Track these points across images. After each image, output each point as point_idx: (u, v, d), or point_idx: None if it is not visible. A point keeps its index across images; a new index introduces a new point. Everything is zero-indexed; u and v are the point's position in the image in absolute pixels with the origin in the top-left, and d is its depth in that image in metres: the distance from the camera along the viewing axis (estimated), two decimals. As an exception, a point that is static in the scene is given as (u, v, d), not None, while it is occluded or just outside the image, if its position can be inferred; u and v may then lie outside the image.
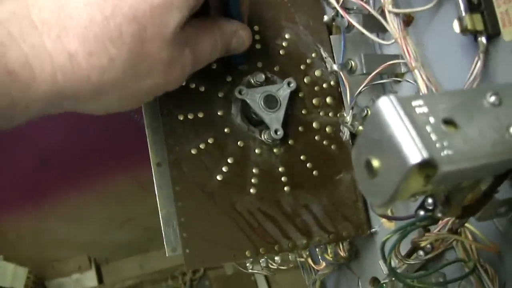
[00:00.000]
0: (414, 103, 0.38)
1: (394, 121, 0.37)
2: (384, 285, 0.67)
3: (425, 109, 0.38)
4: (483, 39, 0.52)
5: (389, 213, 0.66)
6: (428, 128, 0.37)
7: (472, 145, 0.38)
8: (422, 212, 0.49)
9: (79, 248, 1.60)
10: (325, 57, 0.71)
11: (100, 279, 1.63)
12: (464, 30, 0.52)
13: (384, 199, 0.38)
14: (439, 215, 0.46)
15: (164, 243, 0.67)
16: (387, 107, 0.37)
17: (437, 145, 0.37)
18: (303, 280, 0.87)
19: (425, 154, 0.35)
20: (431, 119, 0.38)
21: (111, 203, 1.46)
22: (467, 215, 0.51)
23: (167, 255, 0.68)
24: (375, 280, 0.75)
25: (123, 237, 1.57)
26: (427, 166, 0.36)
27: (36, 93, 0.49)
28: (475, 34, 0.53)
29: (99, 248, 1.62)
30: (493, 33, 0.52)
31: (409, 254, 0.64)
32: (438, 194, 0.46)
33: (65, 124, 1.19)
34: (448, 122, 0.38)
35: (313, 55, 0.72)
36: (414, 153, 0.35)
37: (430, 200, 0.47)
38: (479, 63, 0.52)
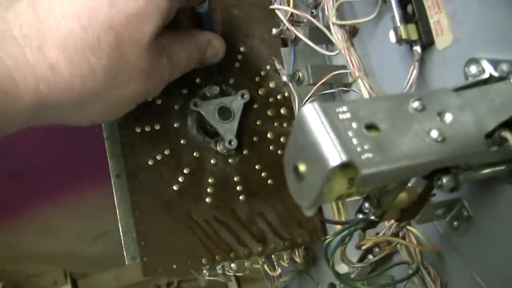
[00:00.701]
0: (338, 110, 0.40)
1: (317, 127, 0.39)
2: (339, 290, 0.69)
3: (348, 115, 0.40)
4: (417, 48, 0.54)
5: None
6: (350, 133, 0.39)
7: (393, 149, 0.40)
8: (360, 216, 0.50)
9: (55, 262, 1.60)
10: (279, 69, 0.73)
11: (75, 293, 1.64)
12: (399, 40, 0.54)
13: (310, 201, 0.40)
14: (372, 217, 0.48)
15: (124, 252, 0.69)
16: (311, 114, 0.39)
17: (358, 149, 0.38)
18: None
19: (344, 157, 0.37)
20: (354, 125, 0.40)
21: (84, 217, 1.47)
22: (406, 218, 0.53)
23: (126, 263, 0.69)
24: (332, 286, 0.77)
25: (98, 251, 1.58)
26: (347, 169, 0.38)
27: (20, 105, 0.51)
28: (410, 43, 0.55)
29: (74, 262, 1.63)
30: (427, 42, 0.54)
31: (361, 259, 0.66)
32: (371, 198, 0.48)
33: (34, 138, 1.19)
34: (371, 127, 0.40)
35: (268, 67, 0.74)
36: (334, 156, 0.37)
37: (366, 204, 0.49)
38: (414, 71, 0.54)
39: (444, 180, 0.43)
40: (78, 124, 0.59)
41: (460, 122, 0.43)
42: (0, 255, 1.54)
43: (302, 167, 0.40)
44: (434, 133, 0.41)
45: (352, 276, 0.66)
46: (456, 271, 0.57)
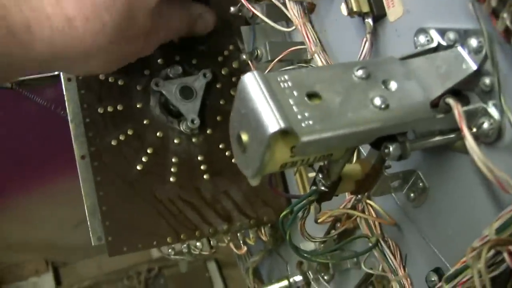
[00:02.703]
0: (279, 78, 0.41)
1: (256, 94, 0.39)
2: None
3: (289, 83, 0.40)
4: (369, 21, 0.55)
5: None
6: (291, 101, 0.39)
7: (334, 116, 0.40)
8: (314, 187, 0.51)
9: (36, 251, 1.61)
10: (242, 49, 0.73)
11: (58, 282, 1.64)
12: (350, 13, 0.54)
13: (254, 170, 0.41)
14: (322, 188, 0.48)
15: (90, 232, 0.69)
16: (251, 82, 0.40)
17: (299, 116, 0.39)
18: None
19: (283, 124, 0.37)
20: (294, 93, 0.40)
21: (63, 205, 1.46)
22: (361, 191, 0.53)
23: (93, 244, 0.69)
24: (301, 264, 0.77)
25: (79, 239, 1.57)
26: (288, 136, 0.38)
27: (34, 55, 0.54)
28: (362, 16, 0.55)
29: (55, 250, 1.63)
30: (379, 15, 0.54)
31: (327, 233, 0.66)
32: (321, 168, 0.48)
33: (9, 127, 1.19)
34: (312, 95, 0.41)
35: (231, 47, 0.74)
36: (273, 123, 0.37)
37: (320, 175, 0.49)
38: (367, 44, 0.55)
39: (391, 148, 0.43)
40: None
41: (405, 90, 0.43)
42: (-21, 246, 1.54)
43: (244, 137, 0.40)
44: (377, 101, 0.41)
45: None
46: (415, 242, 0.57)
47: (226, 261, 1.59)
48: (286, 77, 0.41)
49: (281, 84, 0.40)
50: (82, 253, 1.64)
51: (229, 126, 0.43)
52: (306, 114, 0.39)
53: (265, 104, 0.38)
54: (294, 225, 0.71)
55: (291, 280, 0.76)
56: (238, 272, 1.53)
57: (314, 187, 0.50)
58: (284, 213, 0.53)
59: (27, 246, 1.59)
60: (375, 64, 0.45)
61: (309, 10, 0.65)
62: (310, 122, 0.39)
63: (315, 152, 0.42)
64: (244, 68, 0.73)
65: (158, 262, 1.61)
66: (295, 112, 0.39)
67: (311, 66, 0.66)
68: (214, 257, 1.59)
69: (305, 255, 0.59)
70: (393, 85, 0.43)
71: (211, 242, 0.74)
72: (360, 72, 0.43)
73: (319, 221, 0.60)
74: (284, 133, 0.38)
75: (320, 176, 0.49)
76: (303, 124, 0.38)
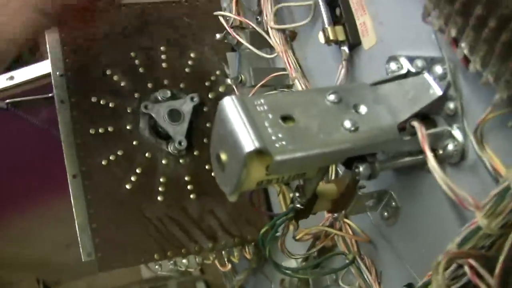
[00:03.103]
0: (256, 102, 0.44)
1: (234, 117, 0.42)
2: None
3: (265, 107, 0.43)
4: (345, 48, 0.58)
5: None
6: (266, 123, 0.42)
7: (306, 137, 0.43)
8: (291, 206, 0.54)
9: (27, 270, 1.61)
10: (228, 74, 0.76)
11: (49, 302, 1.65)
12: (327, 41, 0.58)
13: (232, 187, 0.44)
14: (298, 205, 0.51)
15: (80, 248, 0.71)
16: (229, 105, 0.43)
17: (273, 137, 0.42)
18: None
19: (257, 144, 0.40)
20: (270, 115, 0.43)
21: (56, 224, 1.48)
22: (337, 209, 0.56)
23: (83, 260, 0.72)
24: (283, 282, 0.80)
25: (71, 258, 1.58)
26: (262, 156, 0.41)
27: None
28: (339, 44, 0.58)
29: (47, 270, 1.64)
30: (354, 43, 0.57)
31: (308, 250, 0.69)
32: (297, 187, 0.51)
33: (0, 147, 1.21)
34: (287, 118, 0.44)
35: (218, 72, 0.78)
36: (248, 143, 0.40)
37: (297, 194, 0.52)
38: (343, 70, 0.58)
39: (361, 168, 0.46)
40: None
41: (374, 114, 0.46)
42: (-28, 264, 1.55)
43: (223, 156, 0.43)
44: (347, 123, 0.44)
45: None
46: (389, 259, 0.60)
47: (214, 282, 1.60)
48: (262, 101, 0.44)
49: (258, 107, 0.43)
50: (73, 273, 1.65)
51: (210, 147, 0.46)
52: (280, 135, 0.42)
53: (241, 125, 0.41)
54: (276, 243, 0.74)
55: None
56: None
57: (291, 205, 0.53)
58: (264, 229, 0.55)
59: (19, 264, 1.60)
60: (347, 89, 0.48)
61: (291, 38, 0.68)
62: (284, 142, 0.42)
63: (289, 171, 0.45)
64: (230, 93, 0.76)
65: (148, 283, 1.62)
66: (270, 133, 0.42)
67: (292, 91, 0.69)
68: (203, 278, 1.61)
69: (285, 271, 0.61)
70: (363, 109, 0.46)
71: (197, 259, 0.76)
72: (332, 97, 0.46)
73: (297, 238, 0.63)
74: (259, 153, 0.41)
75: (297, 195, 0.52)
76: (277, 145, 0.41)
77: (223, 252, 0.77)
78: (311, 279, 0.71)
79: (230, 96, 0.43)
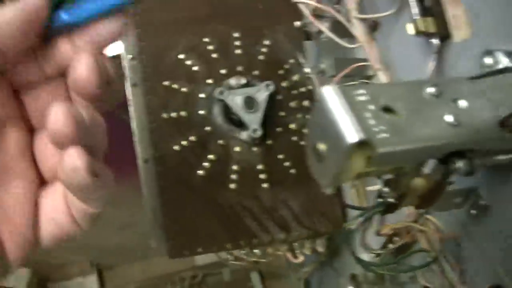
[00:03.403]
0: (356, 92, 0.43)
1: (335, 107, 0.41)
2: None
3: (366, 97, 0.42)
4: (435, 41, 0.56)
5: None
6: (367, 114, 0.41)
7: (408, 130, 0.42)
8: (379, 200, 0.53)
9: (82, 252, 1.62)
10: (302, 63, 0.75)
11: (102, 284, 1.66)
12: (417, 32, 0.56)
13: (330, 179, 0.43)
14: (390, 200, 0.50)
15: (151, 235, 0.71)
16: (330, 95, 0.42)
17: (375, 128, 0.41)
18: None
19: (361, 135, 0.39)
20: (371, 106, 0.42)
21: (110, 208, 1.49)
22: (424, 206, 0.55)
23: (152, 246, 0.71)
24: (353, 277, 0.79)
25: (124, 241, 1.60)
26: (365, 147, 0.40)
27: None
28: (428, 36, 0.57)
29: (100, 252, 1.65)
30: (445, 35, 0.56)
31: (383, 247, 0.68)
32: (389, 181, 0.50)
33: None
34: (388, 109, 0.43)
35: (292, 60, 0.76)
36: (351, 134, 0.39)
37: (385, 188, 0.51)
38: (432, 63, 0.56)
39: (460, 164, 0.45)
40: None
41: (474, 109, 0.45)
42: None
43: (321, 147, 0.42)
44: (449, 118, 0.43)
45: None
46: (474, 259, 0.59)
47: (269, 272, 1.60)
48: (363, 91, 0.43)
49: (358, 97, 0.42)
50: (126, 257, 1.66)
51: (305, 137, 0.45)
52: (382, 127, 0.41)
53: (344, 116, 0.40)
54: (349, 237, 0.73)
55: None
56: (280, 284, 1.55)
57: (380, 199, 0.52)
58: (349, 224, 0.54)
59: (74, 246, 1.61)
60: (445, 83, 0.46)
61: (372, 28, 0.66)
62: (386, 134, 0.41)
63: (389, 164, 0.44)
64: (304, 82, 0.75)
65: (202, 269, 1.62)
66: (372, 125, 0.41)
67: (373, 82, 0.67)
68: (258, 268, 1.60)
69: (369, 266, 0.60)
70: (462, 104, 0.45)
71: (269, 250, 0.75)
72: (432, 90, 0.45)
73: (381, 232, 0.62)
74: (362, 144, 0.39)
75: (386, 189, 0.51)
76: (379, 137, 0.40)
77: (295, 244, 0.76)
78: (388, 275, 0.70)
79: (331, 86, 0.42)
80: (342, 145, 0.40)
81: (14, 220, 0.42)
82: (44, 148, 0.44)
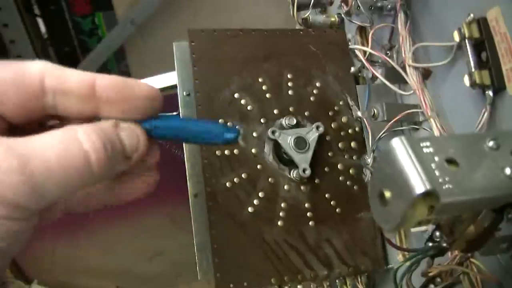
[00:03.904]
0: (422, 144, 0.45)
1: (404, 158, 0.43)
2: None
3: (431, 149, 0.45)
4: (490, 93, 0.59)
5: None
6: (433, 165, 0.44)
7: (470, 182, 0.44)
8: (430, 244, 0.55)
9: (109, 277, 1.64)
10: (352, 105, 0.78)
11: (127, 310, 1.68)
12: (473, 84, 0.59)
13: (393, 224, 0.45)
14: (444, 245, 0.52)
15: (197, 267, 0.73)
16: (399, 146, 0.44)
17: (440, 180, 0.43)
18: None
19: (428, 186, 0.41)
20: (436, 158, 0.44)
21: (142, 236, 1.51)
22: (471, 250, 0.57)
23: (199, 278, 0.73)
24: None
25: (152, 270, 1.61)
26: (430, 197, 0.42)
27: None
28: (483, 88, 0.59)
29: (128, 279, 1.67)
30: (499, 88, 0.58)
31: (424, 286, 0.69)
32: (444, 227, 0.52)
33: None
34: (451, 161, 0.45)
35: (341, 102, 0.79)
36: (419, 185, 0.41)
37: (437, 233, 0.53)
38: (486, 114, 0.59)
39: (514, 214, 0.47)
40: None
41: (532, 162, 0.47)
42: (59, 267, 1.58)
43: (387, 194, 0.44)
44: (508, 171, 0.45)
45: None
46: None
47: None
48: (428, 143, 0.45)
49: (424, 149, 0.45)
50: (152, 285, 1.68)
51: (369, 183, 0.47)
52: (446, 179, 0.43)
53: (412, 166, 0.43)
54: (382, 276, 0.75)
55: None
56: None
57: (430, 244, 0.54)
58: (399, 265, 0.57)
59: (101, 271, 1.63)
60: (504, 135, 0.49)
61: (424, 76, 0.69)
62: (450, 185, 0.43)
63: (450, 213, 0.46)
64: (352, 124, 0.78)
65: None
66: (437, 176, 0.43)
67: (423, 128, 0.70)
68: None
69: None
70: (521, 157, 0.47)
71: (311, 286, 0.77)
72: (491, 143, 0.47)
73: (430, 274, 0.64)
74: (427, 194, 0.42)
75: (438, 234, 0.53)
76: (444, 187, 0.43)
77: (336, 281, 0.78)
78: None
79: (400, 137, 0.44)
80: (409, 195, 0.42)
81: None
82: None
